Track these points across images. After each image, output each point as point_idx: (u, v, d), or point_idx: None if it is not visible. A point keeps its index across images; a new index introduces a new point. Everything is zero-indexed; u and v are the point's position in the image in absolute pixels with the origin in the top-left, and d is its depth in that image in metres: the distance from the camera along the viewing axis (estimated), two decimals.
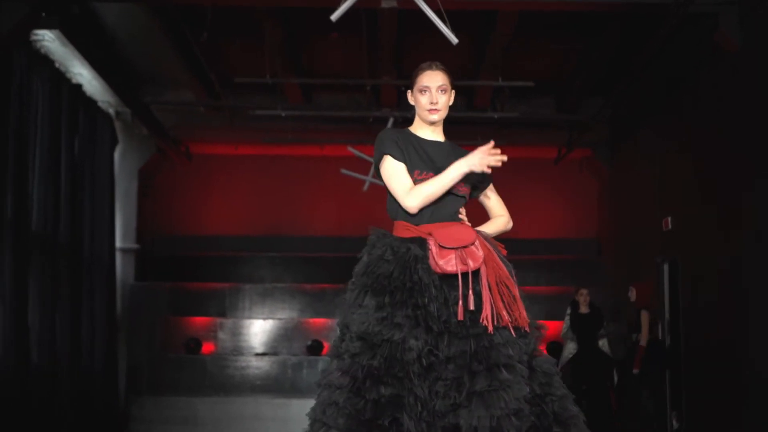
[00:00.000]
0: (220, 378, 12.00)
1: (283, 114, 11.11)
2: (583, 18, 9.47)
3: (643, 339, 9.53)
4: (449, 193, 3.58)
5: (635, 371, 9.45)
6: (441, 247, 3.44)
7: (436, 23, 6.24)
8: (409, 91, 3.76)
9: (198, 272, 13.25)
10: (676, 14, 7.97)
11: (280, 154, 13.43)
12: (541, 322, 11.75)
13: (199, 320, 12.67)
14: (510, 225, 3.89)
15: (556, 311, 11.70)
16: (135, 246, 12.51)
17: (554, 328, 12.06)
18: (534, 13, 9.12)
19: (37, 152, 8.84)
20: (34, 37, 8.74)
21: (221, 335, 12.52)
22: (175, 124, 12.34)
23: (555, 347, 11.66)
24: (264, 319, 12.69)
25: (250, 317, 12.74)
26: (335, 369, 3.38)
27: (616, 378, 9.66)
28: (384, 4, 8.05)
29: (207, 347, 12.46)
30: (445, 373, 3.27)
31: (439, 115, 3.68)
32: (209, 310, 12.76)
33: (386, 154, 3.61)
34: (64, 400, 9.26)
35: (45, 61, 9.09)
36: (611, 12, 9.03)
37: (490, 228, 3.79)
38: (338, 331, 3.50)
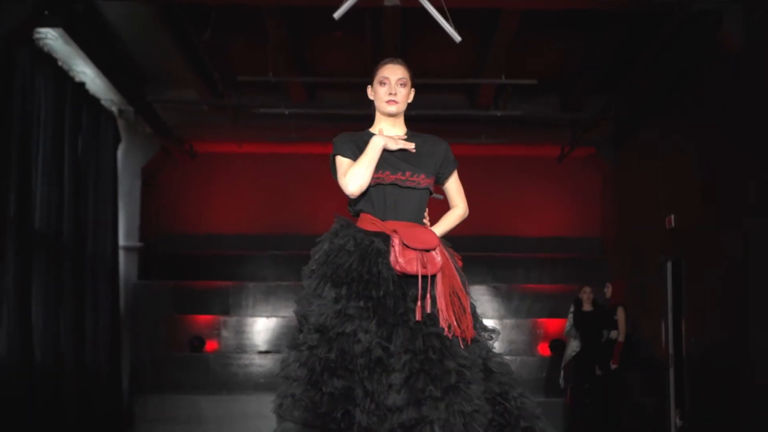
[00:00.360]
0: (223, 376, 12.01)
1: (287, 112, 11.11)
2: (586, 16, 9.46)
3: (621, 335, 9.56)
4: (412, 187, 3.59)
5: (614, 366, 9.47)
6: (404, 246, 3.45)
7: (439, 21, 6.24)
8: (369, 86, 3.76)
9: (201, 270, 13.26)
10: (679, 12, 7.95)
11: (284, 153, 13.43)
12: (544, 320, 11.68)
13: (203, 318, 12.68)
14: (466, 214, 3.86)
15: (560, 309, 11.70)
16: (138, 244, 12.51)
17: (557, 326, 12.08)
18: (537, 11, 9.11)
19: (40, 151, 8.85)
20: (36, 36, 8.74)
21: (225, 333, 12.53)
22: (178, 123, 12.33)
23: (558, 345, 11.68)
24: (267, 317, 12.69)
25: (253, 315, 12.75)
26: (293, 361, 3.40)
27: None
28: (387, 2, 8.04)
29: (210, 345, 12.47)
30: (408, 365, 3.24)
31: (397, 108, 3.68)
32: (212, 308, 12.77)
33: (336, 155, 3.68)
34: (68, 398, 9.28)
35: (48, 59, 9.09)
36: (614, 10, 9.02)
37: (446, 222, 3.77)
38: (297, 322, 3.53)
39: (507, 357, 11.56)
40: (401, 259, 3.43)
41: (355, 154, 3.62)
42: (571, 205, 13.97)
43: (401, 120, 3.76)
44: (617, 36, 9.75)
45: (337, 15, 6.23)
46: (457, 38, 6.41)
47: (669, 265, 10.35)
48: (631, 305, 12.07)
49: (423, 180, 3.61)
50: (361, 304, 3.35)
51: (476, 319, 3.57)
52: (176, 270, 13.13)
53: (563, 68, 11.32)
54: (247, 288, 12.91)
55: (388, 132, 3.72)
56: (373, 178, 3.58)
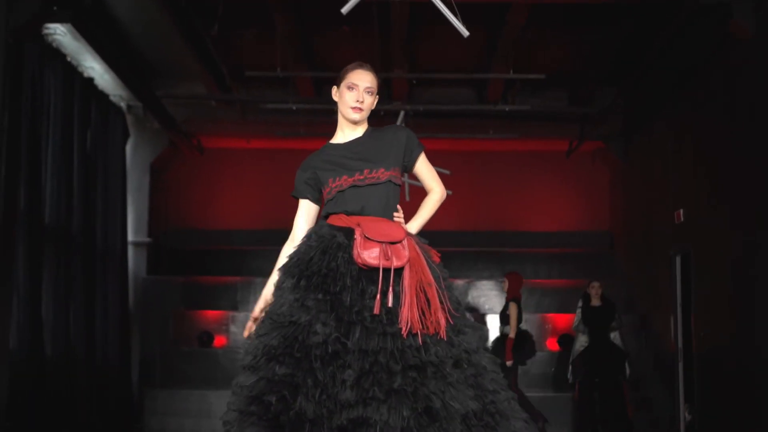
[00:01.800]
0: (232, 371, 11.93)
1: (294, 107, 11.11)
2: (594, 9, 9.43)
3: (512, 331, 9.51)
4: (373, 184, 3.58)
5: (509, 363, 9.46)
6: (366, 238, 3.43)
7: (447, 16, 6.22)
8: (334, 86, 3.74)
9: (209, 266, 13.28)
10: (688, 5, 7.92)
11: (292, 148, 13.44)
12: (553, 315, 11.61)
13: (211, 314, 12.70)
14: (443, 196, 3.78)
15: (568, 304, 11.69)
16: (147, 239, 12.55)
17: (566, 320, 12.07)
18: (545, 5, 9.09)
19: (50, 146, 8.89)
20: (45, 31, 8.76)
21: (233, 328, 12.55)
22: (186, 118, 12.35)
23: (566, 340, 11.67)
24: None
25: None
26: (244, 350, 3.45)
27: (628, 371, 9.65)
28: None
29: (219, 340, 12.50)
30: (359, 364, 3.22)
31: (361, 115, 3.68)
32: (221, 303, 12.80)
33: (296, 197, 3.80)
34: (78, 392, 9.32)
35: (56, 54, 9.12)
36: (624, 2, 8.99)
37: (424, 211, 3.71)
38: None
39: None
40: (363, 252, 3.40)
41: (301, 186, 3.74)
42: (580, 199, 13.95)
43: (363, 121, 3.76)
44: (626, 29, 9.71)
45: (344, 10, 6.22)
46: (465, 33, 6.39)
47: (678, 259, 10.33)
48: (641, 300, 12.07)
49: (383, 174, 3.59)
50: (320, 296, 3.35)
51: (461, 313, 3.52)
52: (185, 265, 13.16)
53: (572, 62, 11.28)
54: (255, 283, 12.91)
55: (349, 134, 3.72)
56: (332, 187, 3.60)
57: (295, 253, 3.56)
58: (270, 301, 3.58)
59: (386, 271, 3.38)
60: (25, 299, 8.12)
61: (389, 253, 3.41)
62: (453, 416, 3.22)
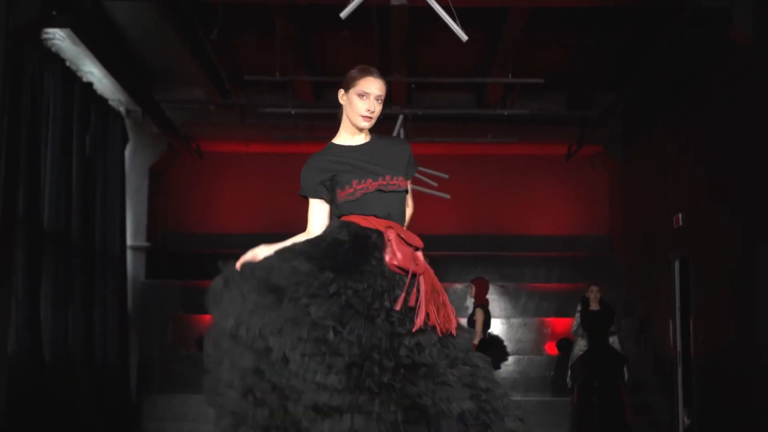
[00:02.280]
0: None
1: (293, 112, 11.12)
2: (594, 13, 9.45)
3: (476, 336, 9.46)
4: (395, 191, 3.58)
5: None
6: (401, 240, 3.45)
7: (446, 20, 6.23)
8: (341, 90, 3.72)
9: (209, 270, 13.18)
10: (689, 8, 7.93)
11: (291, 152, 13.45)
12: (552, 319, 11.56)
13: (210, 318, 12.68)
14: (411, 212, 3.85)
15: (567, 308, 11.69)
16: (146, 243, 12.54)
17: (565, 324, 12.07)
18: (545, 9, 9.10)
19: (49, 150, 8.89)
20: (45, 36, 8.77)
21: None
22: (185, 122, 12.35)
23: (565, 344, 11.67)
24: None
25: None
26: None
27: (627, 375, 9.64)
28: (394, 2, 8.04)
29: None
30: (351, 354, 3.20)
31: (370, 124, 3.67)
32: None
33: (303, 196, 3.80)
34: (77, 396, 9.31)
35: (56, 59, 9.12)
36: (623, 6, 9.00)
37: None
38: None
39: (514, 356, 11.43)
40: (399, 254, 3.42)
41: (317, 187, 3.71)
42: (579, 203, 13.96)
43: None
44: (625, 33, 9.73)
45: (343, 14, 6.23)
46: (464, 37, 6.40)
47: (677, 263, 10.34)
48: (640, 304, 12.07)
49: (401, 182, 3.62)
50: (339, 290, 3.32)
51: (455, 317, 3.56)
52: (184, 269, 13.15)
53: (571, 65, 11.30)
54: None
55: (356, 137, 3.72)
56: (357, 189, 3.58)
57: (322, 239, 3.51)
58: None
59: (413, 274, 3.41)
60: (24, 302, 8.12)
61: (415, 257, 3.46)
62: (443, 415, 3.21)
